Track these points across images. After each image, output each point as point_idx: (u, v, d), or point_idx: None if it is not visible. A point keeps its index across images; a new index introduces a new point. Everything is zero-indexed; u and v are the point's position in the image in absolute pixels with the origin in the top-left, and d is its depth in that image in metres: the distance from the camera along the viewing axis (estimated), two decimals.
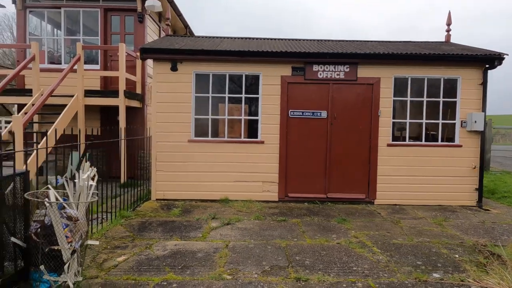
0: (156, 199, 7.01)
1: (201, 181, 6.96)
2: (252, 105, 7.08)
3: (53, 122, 7.82)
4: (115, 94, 8.86)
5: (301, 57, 6.81)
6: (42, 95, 8.71)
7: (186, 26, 13.05)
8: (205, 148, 6.97)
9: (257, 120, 7.00)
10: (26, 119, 6.74)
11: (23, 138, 6.92)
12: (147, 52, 6.77)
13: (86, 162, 3.88)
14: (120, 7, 9.87)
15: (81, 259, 3.46)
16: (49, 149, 6.04)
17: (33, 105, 8.43)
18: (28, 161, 5.70)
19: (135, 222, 5.55)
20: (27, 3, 9.84)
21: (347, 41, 8.47)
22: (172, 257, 4.14)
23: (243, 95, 6.99)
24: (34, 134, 8.75)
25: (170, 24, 8.85)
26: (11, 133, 7.74)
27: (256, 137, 7.01)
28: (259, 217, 5.91)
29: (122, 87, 8.75)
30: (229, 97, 7.00)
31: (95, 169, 3.84)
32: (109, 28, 9.99)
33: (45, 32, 10.71)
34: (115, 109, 9.26)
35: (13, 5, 9.67)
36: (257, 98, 6.98)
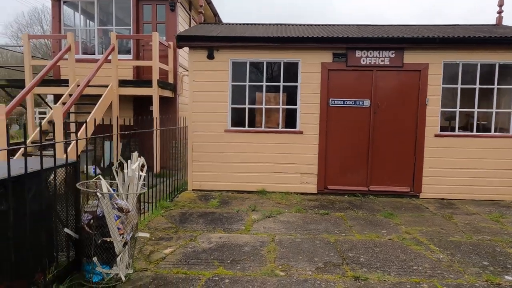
0: (193, 190, 6.93)
1: (237, 172, 6.81)
2: (291, 94, 6.82)
3: (89, 112, 7.85)
4: (148, 84, 8.82)
5: (343, 43, 6.46)
6: (78, 85, 8.80)
7: (216, 14, 12.84)
8: (242, 138, 6.80)
9: (295, 110, 6.74)
10: (65, 109, 6.78)
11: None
12: (183, 40, 6.62)
13: (130, 152, 3.78)
14: None
15: (131, 251, 3.38)
16: (88, 139, 6.05)
17: (70, 95, 8.53)
18: (68, 150, 5.74)
19: (175, 213, 5.48)
20: None
21: (388, 25, 8.00)
22: (218, 250, 4.01)
23: (281, 84, 6.73)
24: (72, 124, 8.86)
25: (203, 12, 8.65)
26: (50, 123, 7.86)
27: (295, 127, 6.76)
28: (300, 209, 5.71)
29: (155, 76, 8.69)
30: (266, 86, 6.77)
31: (143, 159, 3.73)
32: (141, 17, 9.93)
33: (78, 23, 10.80)
34: (148, 98, 9.24)
35: None
36: (296, 86, 6.71)
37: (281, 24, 8.37)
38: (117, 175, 3.53)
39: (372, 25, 7.99)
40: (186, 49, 9.74)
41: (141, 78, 9.89)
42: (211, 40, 6.62)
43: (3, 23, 64.60)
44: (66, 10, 10.38)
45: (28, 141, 7.24)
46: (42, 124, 6.61)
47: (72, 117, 9.17)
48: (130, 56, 9.95)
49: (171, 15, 9.74)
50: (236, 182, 6.83)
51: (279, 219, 5.26)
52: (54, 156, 3.03)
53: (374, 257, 3.87)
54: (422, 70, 6.45)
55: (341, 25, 8.18)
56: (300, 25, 8.34)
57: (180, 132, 7.47)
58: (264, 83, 6.75)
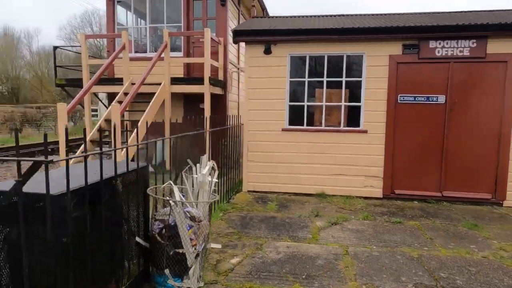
0: (248, 191, 6.67)
1: (295, 173, 6.44)
2: (354, 90, 6.30)
3: (143, 111, 7.85)
4: (200, 81, 8.68)
5: (415, 32, 5.83)
6: (132, 84, 8.88)
7: (264, 8, 12.47)
8: (300, 137, 6.41)
9: (359, 107, 6.23)
10: (122, 107, 6.78)
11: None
12: (240, 35, 6.34)
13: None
14: None
15: (202, 263, 3.13)
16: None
17: (125, 93, 8.61)
18: (122, 153, 5.71)
19: (234, 216, 5.22)
20: None
21: (465, 12, 7.17)
22: (289, 262, 3.67)
23: (344, 79, 6.24)
24: (126, 123, 8.96)
25: (255, 5, 8.33)
26: (107, 121, 7.97)
27: (358, 126, 6.25)
28: (367, 216, 5.22)
29: (207, 74, 8.52)
30: (327, 81, 6.31)
31: (213, 163, 3.47)
32: (191, 14, 9.82)
33: (130, 22, 10.95)
34: (198, 96, 9.13)
35: None
36: (360, 81, 6.18)
37: (338, 15, 7.85)
38: (187, 179, 3.30)
39: (447, 12, 7.20)
40: (236, 45, 9.50)
41: (191, 75, 9.81)
42: (268, 33, 6.27)
43: (58, 26, 69.17)
44: (119, 9, 10.54)
45: (87, 139, 7.36)
46: (99, 122, 6.58)
47: (126, 115, 9.29)
48: (181, 54, 9.89)
49: (222, 10, 9.53)
50: (294, 184, 6.47)
51: (347, 227, 4.82)
52: (126, 161, 2.84)
53: (473, 279, 3.33)
54: (509, 61, 5.66)
55: (409, 14, 7.47)
56: (359, 15, 7.75)
57: (232, 131, 7.24)
58: (325, 79, 6.29)
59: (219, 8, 9.57)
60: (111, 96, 10.26)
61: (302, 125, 6.44)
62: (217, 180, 3.44)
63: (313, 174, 6.39)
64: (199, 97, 9.62)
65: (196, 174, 3.30)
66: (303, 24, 6.79)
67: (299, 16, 8.18)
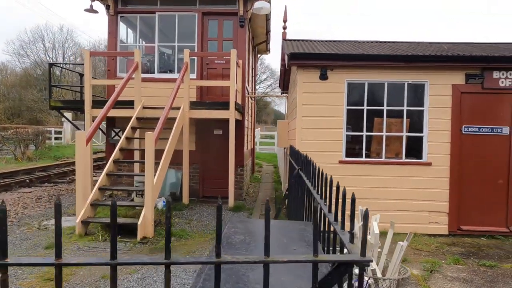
0: None
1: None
2: (414, 120, 5.96)
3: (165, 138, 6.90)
4: (223, 106, 7.95)
5: (479, 62, 5.67)
6: (143, 107, 7.90)
7: (268, 31, 12.13)
8: (358, 170, 5.88)
9: (421, 138, 5.88)
10: (156, 135, 5.82)
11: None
12: (295, 58, 5.78)
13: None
14: (219, 10, 9.02)
15: None
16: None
17: (137, 118, 7.61)
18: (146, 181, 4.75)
19: None
20: (120, 8, 9.11)
21: None
22: None
23: (405, 108, 5.89)
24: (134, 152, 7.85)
25: (286, 26, 7.88)
26: (122, 150, 6.89)
27: (420, 158, 5.88)
28: (458, 260, 4.74)
29: (233, 98, 7.82)
30: (387, 110, 5.91)
31: (378, 216, 2.78)
32: (205, 33, 9.13)
33: (130, 39, 9.99)
34: (212, 121, 8.41)
35: (107, 10, 8.93)
36: (422, 111, 5.87)
37: (391, 42, 7.65)
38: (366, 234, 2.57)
39: (506, 43, 7.26)
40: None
41: (204, 99, 9.01)
42: (326, 58, 5.80)
43: (5, 40, 63.96)
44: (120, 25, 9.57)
45: (104, 172, 6.25)
46: (115, 152, 5.58)
47: (136, 143, 8.19)
48: (194, 75, 9.09)
49: (240, 31, 8.97)
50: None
51: (449, 275, 4.28)
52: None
53: None
54: None
55: (471, 43, 7.45)
56: (417, 42, 7.61)
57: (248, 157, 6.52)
58: (385, 107, 5.89)
59: (237, 29, 9.01)
60: (109, 121, 9.09)
61: (361, 156, 5.94)
62: (406, 243, 2.74)
63: (373, 210, 5.84)
64: (214, 122, 8.86)
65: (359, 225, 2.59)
66: (354, 49, 6.44)
67: (348, 41, 7.83)
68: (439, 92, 5.79)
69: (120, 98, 8.80)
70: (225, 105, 8.02)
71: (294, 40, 7.69)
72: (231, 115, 7.81)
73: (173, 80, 8.86)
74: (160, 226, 6.01)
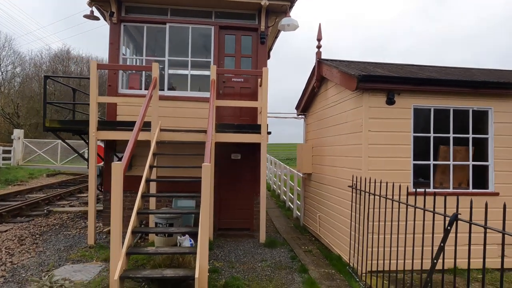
0: (367, 272, 5.30)
1: (420, 245, 5.36)
2: (478, 148, 5.72)
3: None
4: (253, 129, 7.20)
5: None
6: (160, 129, 6.87)
7: (270, 49, 11.65)
8: (428, 202, 5.43)
9: (485, 166, 5.63)
10: (208, 159, 4.86)
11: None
12: (366, 80, 5.26)
13: None
14: (237, 25, 8.34)
15: None
16: None
17: (157, 143, 6.56)
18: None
19: None
20: (123, 16, 8.03)
21: None
22: None
23: (470, 135, 5.63)
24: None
25: (320, 45, 7.40)
26: (148, 181, 5.78)
27: (484, 187, 5.62)
28: None
29: (265, 121, 7.13)
30: (453, 138, 5.61)
31: None
32: (222, 48, 8.36)
33: (131, 51, 8.87)
34: (229, 145, 7.64)
35: (110, 18, 7.78)
36: (486, 138, 5.65)
37: (434, 66, 7.51)
38: None
39: None
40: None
41: (221, 121, 8.14)
42: (394, 81, 5.38)
43: None
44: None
45: (134, 211, 5.12)
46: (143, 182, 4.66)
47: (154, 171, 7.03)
48: (208, 94, 8.19)
49: (261, 48, 8.33)
50: (419, 259, 5.36)
51: None
52: None
53: None
54: None
55: None
56: (463, 68, 7.53)
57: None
58: (451, 135, 5.58)
59: (256, 45, 8.37)
60: (109, 144, 7.83)
61: (428, 187, 5.53)
62: None
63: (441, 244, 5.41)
64: (231, 146, 8.03)
65: None
66: (409, 72, 6.12)
67: (369, 62, 7.50)
68: (505, 119, 5.63)
69: (124, 119, 7.69)
70: (254, 128, 7.28)
71: (329, 60, 7.23)
72: (262, 139, 7.08)
73: (185, 98, 7.99)
74: (209, 274, 5.00)
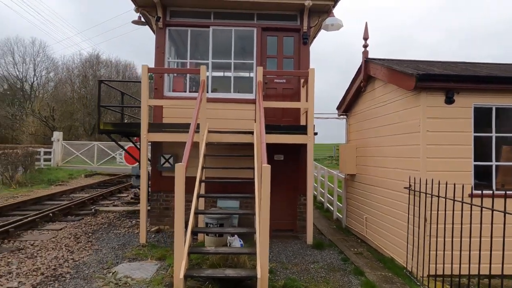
0: (429, 275, 5.16)
1: (483, 250, 5.17)
2: None
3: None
4: (299, 130, 7.21)
5: None
6: (208, 131, 6.97)
7: None
8: (489, 205, 5.24)
9: None
10: (265, 161, 4.90)
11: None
12: (425, 79, 5.14)
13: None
14: (279, 26, 8.36)
15: None
16: None
17: (206, 144, 6.67)
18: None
19: None
20: (168, 21, 8.22)
21: None
22: None
23: None
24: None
25: (367, 44, 7.30)
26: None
27: None
28: None
29: (311, 121, 7.08)
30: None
31: None
32: (264, 50, 8.40)
33: (173, 54, 9.06)
34: (271, 145, 7.62)
35: (156, 23, 7.99)
36: None
37: (498, 64, 7.33)
38: None
39: None
40: None
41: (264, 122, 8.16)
42: (453, 80, 5.23)
43: None
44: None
45: (192, 211, 5.22)
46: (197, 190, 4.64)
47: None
48: (252, 95, 8.28)
49: (303, 49, 8.31)
50: (484, 264, 5.17)
51: None
52: None
53: None
54: None
55: None
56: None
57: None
58: None
59: (298, 46, 8.35)
60: (155, 146, 8.01)
61: (489, 189, 5.32)
62: None
63: (508, 250, 5.20)
64: (273, 147, 8.03)
65: None
66: (463, 70, 5.94)
67: (418, 61, 7.34)
68: None
69: (169, 121, 7.87)
70: (298, 129, 7.28)
71: (377, 59, 7.11)
72: (309, 139, 7.05)
73: (228, 100, 8.08)
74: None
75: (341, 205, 9.33)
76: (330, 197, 10.73)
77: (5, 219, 8.35)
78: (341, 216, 9.26)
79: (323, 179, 11.84)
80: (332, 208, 10.32)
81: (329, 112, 10.31)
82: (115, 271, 5.18)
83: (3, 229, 6.89)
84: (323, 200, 11.73)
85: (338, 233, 8.24)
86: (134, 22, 7.96)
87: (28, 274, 5.19)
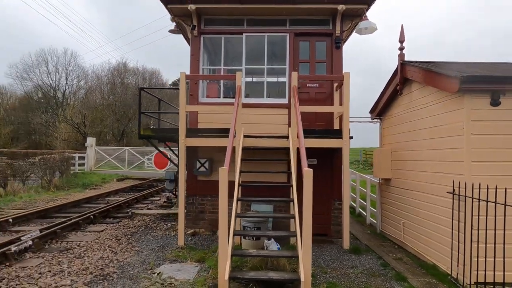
0: (477, 283, 5.01)
1: None
2: None
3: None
4: (335, 134, 7.21)
5: None
6: (244, 136, 7.09)
7: None
8: None
9: None
10: (305, 165, 4.96)
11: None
12: (469, 81, 5.04)
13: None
14: (311, 31, 8.42)
15: None
16: None
17: (243, 149, 6.78)
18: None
19: None
20: (203, 29, 8.45)
21: None
22: None
23: None
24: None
25: (403, 47, 7.23)
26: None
27: None
28: None
29: (346, 125, 7.07)
30: None
31: None
32: (297, 55, 8.47)
33: (206, 61, 9.28)
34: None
35: (192, 31, 8.23)
36: None
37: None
38: None
39: None
40: None
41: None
42: (499, 81, 5.09)
43: (8, 64, 63.47)
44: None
45: (233, 214, 5.32)
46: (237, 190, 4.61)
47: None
48: (285, 100, 8.35)
49: (336, 53, 8.31)
50: None
51: None
52: None
53: None
54: None
55: None
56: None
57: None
58: None
59: (331, 50, 8.36)
60: (191, 150, 8.20)
61: None
62: None
63: None
64: (306, 150, 8.04)
65: None
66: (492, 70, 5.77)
67: (450, 62, 7.19)
68: None
69: (203, 126, 8.06)
70: (332, 133, 7.29)
71: (413, 62, 7.02)
72: (345, 144, 7.04)
73: (261, 105, 8.19)
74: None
75: (374, 210, 9.20)
76: (362, 201, 10.59)
77: (50, 220, 8.80)
78: (374, 221, 9.13)
79: (354, 184, 11.69)
80: (364, 213, 10.18)
81: (357, 115, 10.26)
82: (159, 272, 5.35)
83: (51, 230, 7.26)
84: (354, 205, 11.58)
85: (373, 238, 8.12)
86: (171, 31, 8.24)
87: (79, 273, 5.44)
